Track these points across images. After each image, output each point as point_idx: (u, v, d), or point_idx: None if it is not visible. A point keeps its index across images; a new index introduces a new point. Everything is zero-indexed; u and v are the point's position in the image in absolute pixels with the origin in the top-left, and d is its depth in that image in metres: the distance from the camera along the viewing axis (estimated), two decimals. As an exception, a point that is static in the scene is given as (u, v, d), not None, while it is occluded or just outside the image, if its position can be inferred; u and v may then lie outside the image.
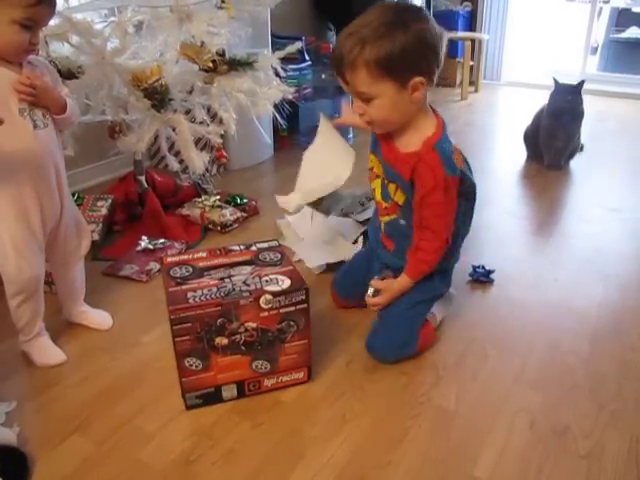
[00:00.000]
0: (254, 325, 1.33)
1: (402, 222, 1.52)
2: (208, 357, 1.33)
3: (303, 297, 1.35)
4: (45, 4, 1.26)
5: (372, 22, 1.23)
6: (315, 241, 2.14)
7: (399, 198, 1.47)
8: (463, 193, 1.46)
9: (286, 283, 1.34)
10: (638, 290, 1.93)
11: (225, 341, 1.32)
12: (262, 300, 1.31)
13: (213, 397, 1.39)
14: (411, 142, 1.38)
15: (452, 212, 1.44)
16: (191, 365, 1.33)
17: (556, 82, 3.04)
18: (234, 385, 1.39)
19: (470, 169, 1.52)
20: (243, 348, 1.35)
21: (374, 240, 1.67)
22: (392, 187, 1.47)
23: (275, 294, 1.32)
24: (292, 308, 1.34)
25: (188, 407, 1.38)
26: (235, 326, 1.31)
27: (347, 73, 1.26)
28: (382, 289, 1.54)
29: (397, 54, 1.22)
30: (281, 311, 1.33)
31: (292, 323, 1.36)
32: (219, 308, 1.29)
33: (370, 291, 1.55)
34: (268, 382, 1.42)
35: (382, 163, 1.47)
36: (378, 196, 1.53)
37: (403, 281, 1.52)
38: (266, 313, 1.32)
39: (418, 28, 1.24)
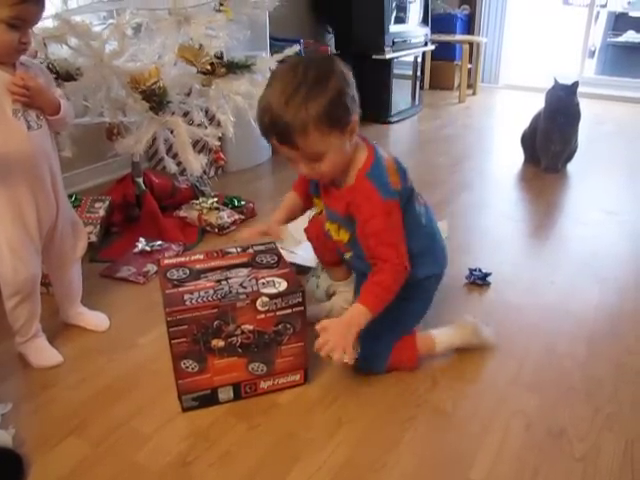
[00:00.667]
0: (250, 327, 1.33)
1: (359, 256, 1.46)
2: (205, 359, 1.34)
3: (300, 300, 1.34)
4: (32, 3, 1.25)
5: (300, 83, 1.18)
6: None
7: (343, 236, 1.46)
8: (403, 207, 1.39)
9: (283, 285, 1.34)
10: (635, 293, 1.94)
11: (222, 343, 1.32)
12: (259, 302, 1.31)
13: (209, 399, 1.38)
14: (347, 178, 1.36)
15: (398, 236, 1.35)
16: (187, 367, 1.33)
17: (555, 82, 3.06)
18: (230, 387, 1.39)
19: (406, 177, 1.42)
20: (240, 350, 1.35)
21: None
22: (334, 227, 1.47)
23: (272, 296, 1.32)
24: (289, 310, 1.34)
25: (184, 409, 1.38)
26: (232, 328, 1.31)
27: (298, 139, 1.20)
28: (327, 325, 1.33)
29: (337, 102, 1.20)
30: (277, 313, 1.33)
31: (288, 325, 1.36)
32: (216, 310, 1.29)
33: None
34: (264, 384, 1.42)
35: (325, 206, 1.47)
36: (335, 236, 1.50)
37: (356, 311, 1.32)
38: (263, 315, 1.32)
39: (339, 72, 1.23)
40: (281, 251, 1.54)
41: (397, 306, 1.38)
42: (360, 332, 1.32)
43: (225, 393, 1.39)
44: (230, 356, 1.35)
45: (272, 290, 1.32)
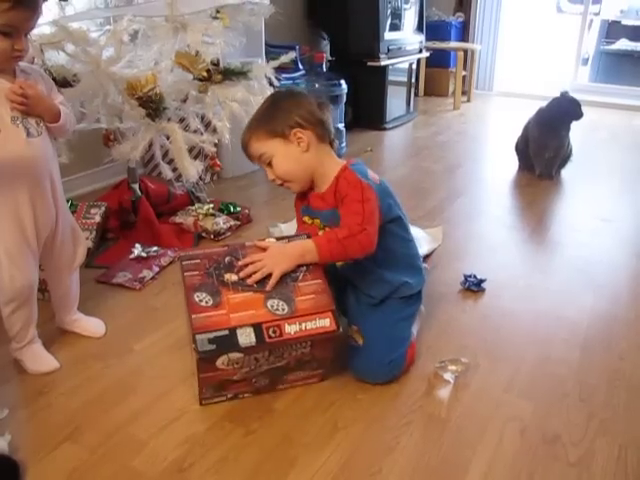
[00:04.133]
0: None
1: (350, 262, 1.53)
2: (219, 293, 1.31)
3: (306, 238, 1.42)
4: (21, 9, 1.23)
5: (254, 115, 1.56)
6: None
7: None
8: (391, 214, 1.52)
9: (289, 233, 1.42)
10: (628, 300, 1.95)
11: (234, 277, 1.34)
12: (265, 241, 1.42)
13: (228, 342, 1.25)
14: (328, 180, 1.50)
15: (370, 212, 1.40)
16: (201, 300, 1.29)
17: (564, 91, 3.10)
18: (251, 329, 1.27)
19: (392, 194, 1.56)
20: (254, 285, 1.33)
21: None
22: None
23: (278, 238, 1.46)
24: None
25: (200, 354, 1.23)
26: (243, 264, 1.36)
27: (250, 150, 1.51)
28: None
29: (268, 119, 1.49)
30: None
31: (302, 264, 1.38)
32: (226, 249, 1.40)
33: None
34: (290, 329, 1.29)
35: (318, 215, 1.54)
36: None
37: (305, 244, 1.41)
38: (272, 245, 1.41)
39: (280, 97, 1.58)
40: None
41: (405, 306, 1.57)
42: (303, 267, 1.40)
43: (246, 336, 1.26)
44: (245, 291, 1.32)
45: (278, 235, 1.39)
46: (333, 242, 1.38)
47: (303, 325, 1.30)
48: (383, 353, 1.48)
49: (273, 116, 1.48)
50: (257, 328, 1.28)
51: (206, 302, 1.29)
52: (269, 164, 1.50)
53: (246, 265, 1.37)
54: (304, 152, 1.47)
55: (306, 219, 1.60)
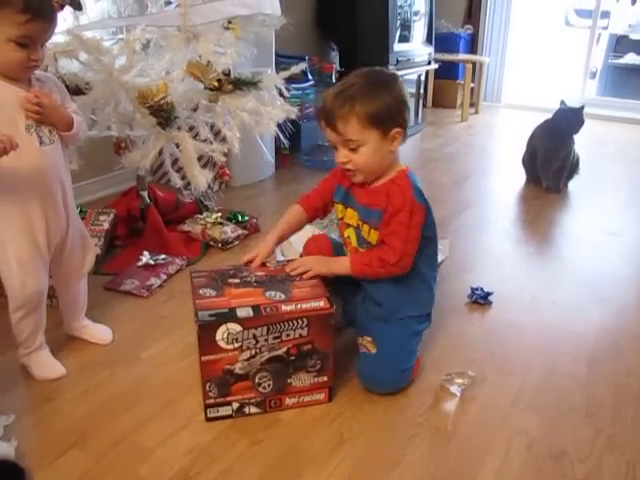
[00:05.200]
0: (263, 274, 1.49)
1: None
2: (222, 289, 1.42)
3: None
4: (40, 21, 1.26)
5: (358, 82, 1.42)
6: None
7: (373, 238, 1.51)
8: (426, 231, 1.51)
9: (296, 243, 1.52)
10: (635, 313, 1.95)
11: (237, 280, 1.46)
12: (268, 264, 1.55)
13: (227, 315, 1.33)
14: (383, 179, 1.50)
15: (412, 240, 1.46)
16: (205, 293, 1.40)
17: (563, 103, 3.11)
18: (249, 308, 1.35)
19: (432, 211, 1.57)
20: (255, 284, 1.45)
21: None
22: (366, 229, 1.52)
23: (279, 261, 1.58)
24: None
25: (201, 325, 1.31)
26: (246, 274, 1.49)
27: (339, 124, 1.41)
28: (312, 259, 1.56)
29: (383, 109, 1.40)
30: (285, 267, 1.52)
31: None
32: (231, 267, 1.54)
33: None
34: (286, 307, 1.36)
35: (358, 208, 1.54)
36: (354, 243, 1.57)
37: (343, 264, 1.51)
38: (272, 268, 1.53)
39: (396, 89, 1.44)
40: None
41: (420, 322, 1.59)
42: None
43: (244, 311, 1.34)
44: (246, 287, 1.43)
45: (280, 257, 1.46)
46: (366, 266, 1.48)
47: (299, 305, 1.38)
48: (397, 361, 1.50)
49: (385, 104, 1.39)
50: (255, 308, 1.36)
51: (209, 294, 1.40)
52: (352, 148, 1.44)
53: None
54: (391, 152, 1.46)
55: (340, 207, 1.59)
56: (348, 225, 1.57)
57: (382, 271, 1.47)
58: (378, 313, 1.56)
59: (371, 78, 1.44)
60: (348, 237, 1.58)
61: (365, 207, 1.51)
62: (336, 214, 1.64)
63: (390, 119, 1.41)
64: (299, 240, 2.25)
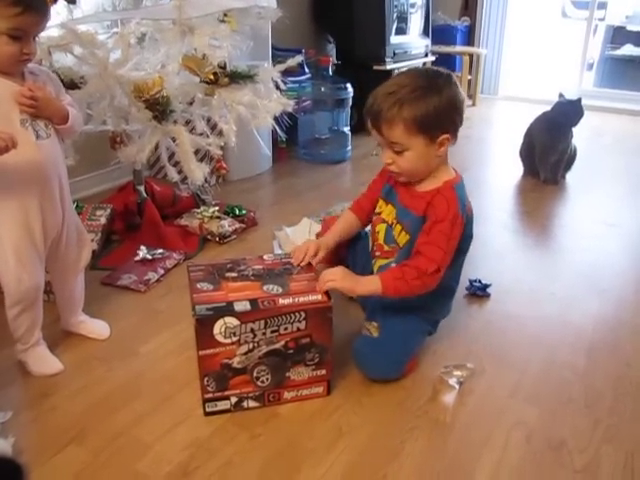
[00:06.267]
0: (260, 267, 1.50)
1: (394, 266, 1.54)
2: (219, 282, 1.42)
3: None
4: (32, 13, 1.25)
5: (409, 84, 1.37)
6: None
7: (402, 239, 1.51)
8: (462, 243, 1.51)
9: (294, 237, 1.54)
10: (633, 305, 1.95)
11: (234, 274, 1.46)
12: (265, 256, 1.55)
13: (225, 309, 1.32)
14: (430, 184, 1.49)
15: (450, 251, 1.46)
16: (202, 287, 1.40)
17: (561, 96, 3.10)
18: (247, 302, 1.34)
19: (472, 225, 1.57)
20: (252, 277, 1.45)
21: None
22: (398, 228, 1.52)
23: (276, 254, 1.58)
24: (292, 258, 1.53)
25: (198, 319, 1.31)
26: (243, 267, 1.49)
27: (383, 127, 1.39)
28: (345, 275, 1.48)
29: (431, 115, 1.36)
30: (283, 260, 1.53)
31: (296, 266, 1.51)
32: (229, 260, 1.53)
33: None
34: (284, 301, 1.36)
35: (397, 207, 1.53)
36: (381, 239, 1.58)
37: (372, 282, 1.45)
38: (269, 261, 1.53)
39: (449, 93, 1.39)
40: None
41: (428, 322, 1.60)
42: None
43: (241, 305, 1.34)
44: (243, 281, 1.43)
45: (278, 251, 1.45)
46: (399, 281, 1.43)
47: (296, 299, 1.38)
48: (395, 350, 1.51)
49: (434, 111, 1.35)
50: (253, 302, 1.35)
51: (207, 288, 1.40)
52: (397, 151, 1.42)
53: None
54: (438, 156, 1.44)
55: (381, 203, 1.59)
56: (383, 221, 1.57)
57: (417, 283, 1.42)
58: (392, 303, 1.55)
59: (424, 81, 1.39)
60: (378, 232, 1.58)
61: (404, 208, 1.51)
62: (375, 209, 1.63)
63: (438, 126, 1.38)
64: (297, 234, 2.26)
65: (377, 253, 1.61)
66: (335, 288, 1.43)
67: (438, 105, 1.36)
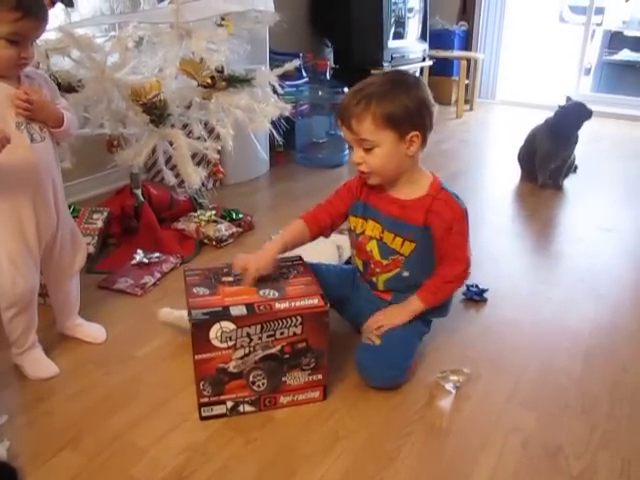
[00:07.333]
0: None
1: (405, 274, 1.55)
2: (215, 287, 1.43)
3: (298, 259, 1.56)
4: (31, 19, 1.25)
5: (377, 82, 1.41)
6: (311, 258, 2.15)
7: (406, 249, 1.51)
8: None
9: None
10: (630, 310, 1.95)
11: (231, 279, 1.46)
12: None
13: (221, 314, 1.32)
14: (413, 191, 1.50)
15: (468, 243, 1.54)
16: (199, 292, 1.40)
17: (569, 99, 3.10)
18: (243, 306, 1.34)
19: None
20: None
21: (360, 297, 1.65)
22: (398, 241, 1.51)
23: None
24: (289, 262, 1.55)
25: (194, 323, 1.30)
26: (239, 272, 1.47)
27: (353, 122, 1.39)
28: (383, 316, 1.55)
29: (399, 109, 1.37)
30: (281, 264, 1.53)
31: (292, 269, 1.52)
32: (224, 265, 1.53)
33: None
34: (280, 305, 1.35)
35: (383, 221, 1.52)
36: (377, 256, 1.55)
37: (413, 304, 1.54)
38: None
39: (417, 92, 1.42)
40: None
41: (426, 324, 1.62)
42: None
43: (237, 309, 1.33)
44: (239, 285, 1.43)
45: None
46: (437, 294, 1.55)
47: (293, 303, 1.37)
48: (398, 357, 1.50)
49: (402, 105, 1.37)
50: (249, 306, 1.35)
51: (203, 292, 1.40)
52: (367, 149, 1.42)
53: None
54: (408, 156, 1.44)
55: (357, 220, 1.56)
56: (370, 238, 1.55)
57: (454, 285, 1.58)
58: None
59: (392, 79, 1.42)
60: (370, 250, 1.56)
61: (395, 219, 1.50)
62: (354, 230, 1.59)
63: (407, 121, 1.38)
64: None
65: (377, 270, 1.58)
66: (388, 328, 1.50)
67: (407, 100, 1.38)
